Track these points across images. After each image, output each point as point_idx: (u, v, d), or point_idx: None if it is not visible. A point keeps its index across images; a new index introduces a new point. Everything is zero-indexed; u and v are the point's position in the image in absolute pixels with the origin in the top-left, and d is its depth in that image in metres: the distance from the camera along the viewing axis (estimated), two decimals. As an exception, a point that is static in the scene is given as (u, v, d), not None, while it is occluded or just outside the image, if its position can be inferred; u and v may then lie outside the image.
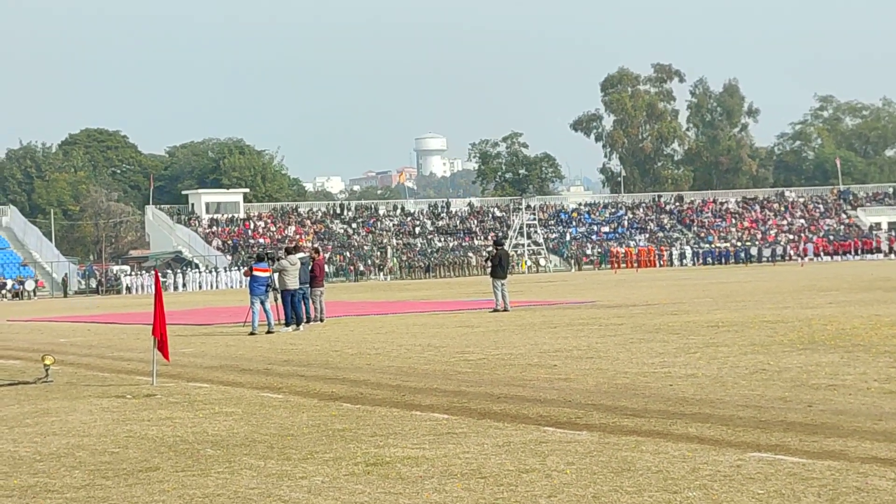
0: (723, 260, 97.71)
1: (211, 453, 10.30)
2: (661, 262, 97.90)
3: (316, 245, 75.73)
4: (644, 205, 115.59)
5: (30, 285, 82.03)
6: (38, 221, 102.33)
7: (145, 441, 11.15)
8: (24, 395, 15.74)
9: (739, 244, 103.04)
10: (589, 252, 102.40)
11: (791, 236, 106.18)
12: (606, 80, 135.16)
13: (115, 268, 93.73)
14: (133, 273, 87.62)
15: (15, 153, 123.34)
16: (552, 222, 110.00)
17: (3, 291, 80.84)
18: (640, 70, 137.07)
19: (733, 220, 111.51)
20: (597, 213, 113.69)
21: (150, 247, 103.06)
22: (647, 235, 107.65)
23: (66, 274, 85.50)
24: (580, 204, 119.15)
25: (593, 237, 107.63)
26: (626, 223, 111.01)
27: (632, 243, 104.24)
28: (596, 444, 9.89)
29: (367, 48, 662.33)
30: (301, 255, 29.39)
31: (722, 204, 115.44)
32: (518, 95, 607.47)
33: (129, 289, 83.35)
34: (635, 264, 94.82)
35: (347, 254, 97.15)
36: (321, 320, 29.18)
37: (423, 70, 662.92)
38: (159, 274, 19.25)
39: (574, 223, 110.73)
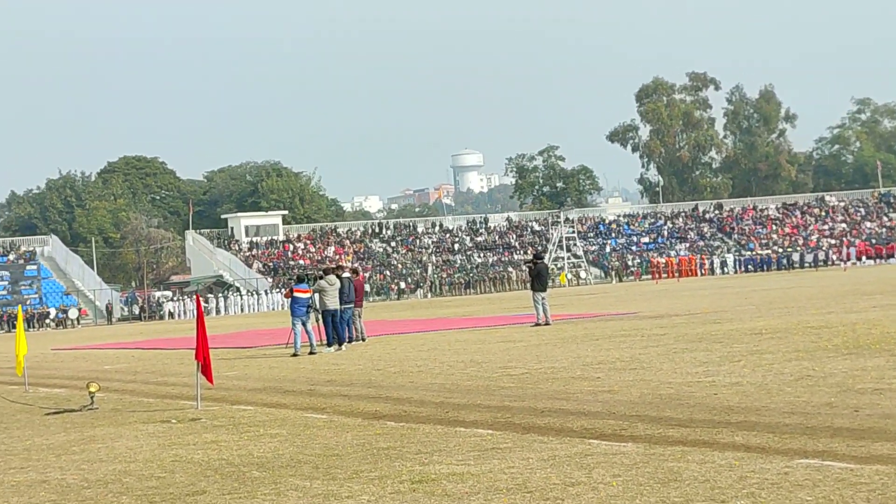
0: (765, 267, 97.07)
1: (257, 475, 10.32)
2: (703, 271, 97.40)
3: (355, 265, 75.90)
4: (683, 214, 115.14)
5: (73, 314, 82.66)
6: (79, 250, 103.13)
7: (191, 465, 11.19)
8: (71, 422, 15.83)
9: (781, 250, 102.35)
10: (629, 263, 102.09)
11: (833, 241, 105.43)
12: (641, 91, 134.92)
13: (157, 294, 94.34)
14: (175, 298, 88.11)
15: (55, 183, 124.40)
16: (591, 234, 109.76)
17: (47, 321, 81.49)
18: (675, 79, 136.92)
19: (774, 227, 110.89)
20: (636, 224, 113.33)
21: (191, 272, 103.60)
22: (688, 245, 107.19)
23: (109, 301, 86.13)
24: (619, 215, 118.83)
25: (633, 248, 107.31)
26: (665, 233, 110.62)
27: (672, 253, 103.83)
28: (641, 456, 9.84)
29: (401, 66, 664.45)
30: (346, 274, 29.46)
31: (762, 211, 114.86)
32: (553, 108, 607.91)
33: (171, 314, 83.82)
34: (676, 274, 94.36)
35: (387, 272, 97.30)
36: (363, 339, 29.20)
37: (458, 86, 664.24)
38: (201, 298, 19.35)
39: (613, 234, 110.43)
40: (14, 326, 27.40)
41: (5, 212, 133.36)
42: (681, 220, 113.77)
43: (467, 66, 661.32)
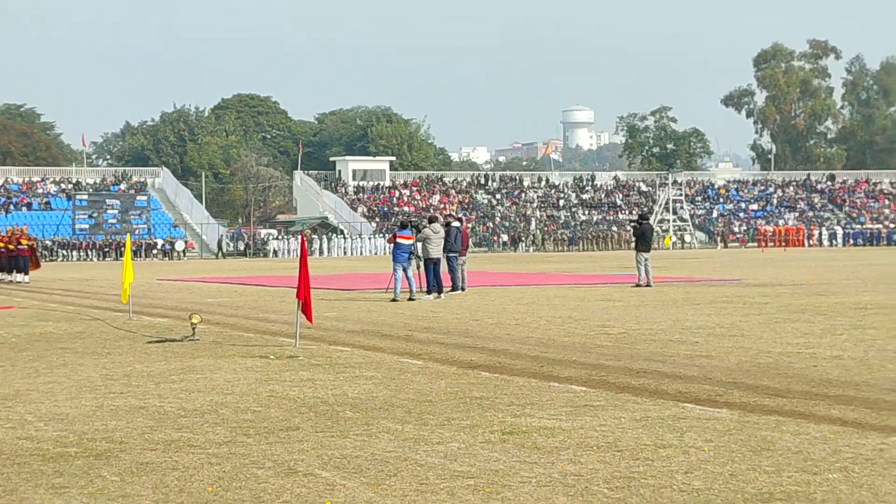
0: (874, 241, 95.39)
1: (350, 415, 10.43)
2: (810, 242, 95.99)
3: (459, 215, 76.00)
4: (794, 183, 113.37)
5: (179, 246, 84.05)
6: (189, 184, 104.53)
7: (286, 401, 11.34)
8: (172, 352, 16.12)
9: (893, 226, 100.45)
10: (736, 230, 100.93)
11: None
12: (760, 56, 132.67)
13: (263, 231, 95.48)
14: (280, 237, 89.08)
15: (169, 116, 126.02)
16: (699, 198, 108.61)
17: (154, 251, 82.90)
18: (794, 46, 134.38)
19: (887, 202, 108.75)
20: (745, 191, 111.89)
21: (297, 212, 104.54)
22: (797, 214, 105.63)
23: (222, 235, 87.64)
24: (728, 181, 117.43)
25: (741, 214, 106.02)
26: (775, 201, 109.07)
27: (780, 222, 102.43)
28: (735, 423, 9.77)
29: (517, 19, 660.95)
30: (456, 224, 29.53)
31: (875, 184, 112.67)
32: (668, 69, 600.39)
33: (275, 252, 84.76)
34: (783, 243, 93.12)
35: (491, 224, 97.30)
36: (462, 289, 29.28)
37: (572, 41, 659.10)
38: (305, 238, 19.50)
39: (721, 200, 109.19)
40: (122, 255, 27.92)
41: (119, 142, 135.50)
42: (791, 189, 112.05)
43: (582, 22, 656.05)
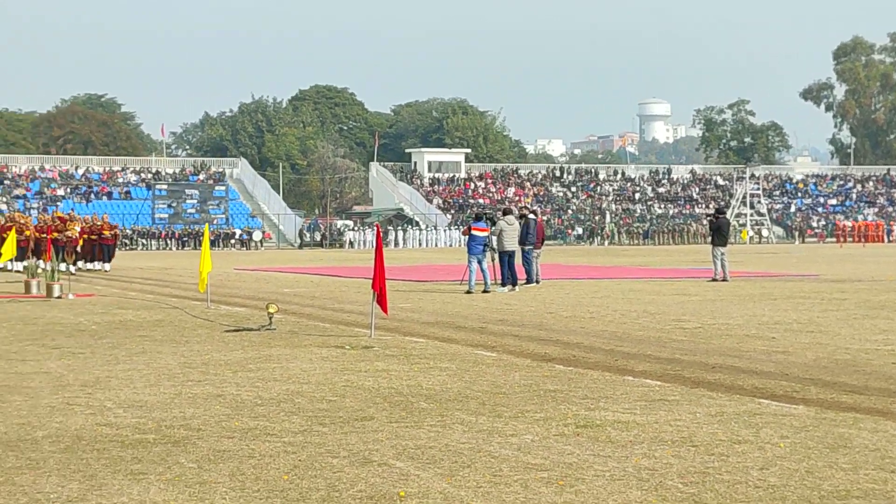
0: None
1: (424, 406, 10.47)
2: (890, 238, 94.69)
3: (534, 207, 75.89)
4: (874, 178, 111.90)
5: (257, 236, 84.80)
6: (266, 174, 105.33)
7: (361, 391, 11.41)
8: (248, 341, 16.26)
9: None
10: (814, 224, 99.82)
11: None
12: (839, 49, 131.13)
13: (339, 222, 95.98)
14: (356, 228, 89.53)
15: (247, 107, 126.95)
16: (777, 193, 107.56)
17: (232, 241, 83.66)
18: (875, 39, 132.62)
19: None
20: (824, 185, 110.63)
21: (372, 203, 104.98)
22: (877, 210, 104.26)
23: (303, 226, 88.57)
24: (807, 175, 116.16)
25: (819, 209, 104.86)
26: (854, 196, 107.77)
27: (859, 217, 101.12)
28: (812, 419, 9.68)
29: (592, 10, 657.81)
30: (532, 216, 29.52)
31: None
32: (746, 62, 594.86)
33: (351, 243, 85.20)
34: (862, 239, 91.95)
35: (565, 217, 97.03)
36: (536, 282, 29.24)
37: (648, 33, 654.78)
38: (381, 230, 19.56)
39: (800, 194, 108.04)
40: (200, 244, 28.16)
41: (198, 132, 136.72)
42: (871, 183, 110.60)
43: (660, 12, 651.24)
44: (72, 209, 60.49)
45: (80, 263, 38.99)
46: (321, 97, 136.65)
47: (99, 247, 40.14)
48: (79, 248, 39.07)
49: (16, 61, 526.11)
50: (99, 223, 40.72)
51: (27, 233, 39.93)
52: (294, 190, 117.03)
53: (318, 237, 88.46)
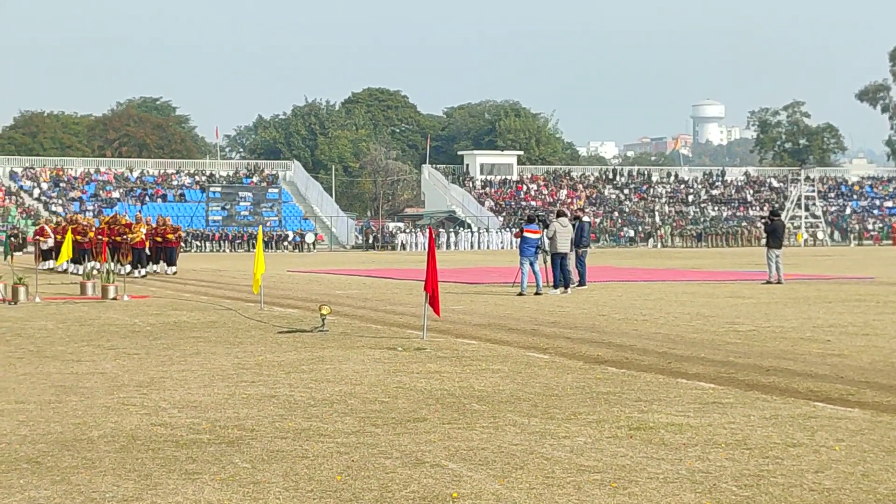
0: None
1: (477, 408, 10.47)
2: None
3: (586, 210, 75.70)
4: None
5: (310, 238, 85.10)
6: (319, 177, 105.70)
7: (414, 392, 11.43)
8: (301, 342, 16.33)
9: None
10: (870, 227, 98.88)
11: None
12: (895, 50, 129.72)
13: (391, 225, 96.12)
14: (408, 230, 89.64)
15: (300, 110, 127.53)
16: (832, 195, 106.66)
17: (285, 243, 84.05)
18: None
19: None
20: (880, 188, 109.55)
21: (424, 205, 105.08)
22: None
23: (361, 228, 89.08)
24: (863, 177, 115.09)
25: (875, 212, 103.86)
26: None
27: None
28: (868, 422, 9.60)
29: (646, 12, 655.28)
30: (586, 218, 29.47)
31: None
32: (800, 63, 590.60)
33: (403, 245, 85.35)
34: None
35: (619, 219, 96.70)
36: (583, 284, 29.08)
37: (702, 35, 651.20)
38: (433, 232, 19.62)
39: (855, 196, 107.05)
40: (254, 246, 28.26)
41: (252, 135, 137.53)
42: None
43: (714, 14, 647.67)
44: (138, 212, 60.78)
45: (149, 266, 39.03)
46: (374, 100, 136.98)
47: (163, 250, 40.02)
48: (147, 251, 38.93)
49: (72, 65, 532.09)
50: (163, 226, 40.59)
51: (90, 234, 40.14)
52: (347, 192, 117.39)
53: (370, 239, 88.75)
